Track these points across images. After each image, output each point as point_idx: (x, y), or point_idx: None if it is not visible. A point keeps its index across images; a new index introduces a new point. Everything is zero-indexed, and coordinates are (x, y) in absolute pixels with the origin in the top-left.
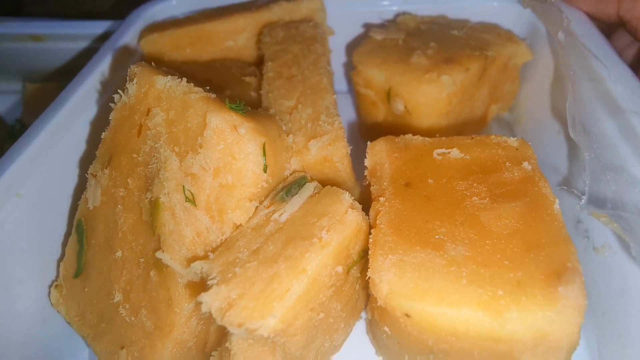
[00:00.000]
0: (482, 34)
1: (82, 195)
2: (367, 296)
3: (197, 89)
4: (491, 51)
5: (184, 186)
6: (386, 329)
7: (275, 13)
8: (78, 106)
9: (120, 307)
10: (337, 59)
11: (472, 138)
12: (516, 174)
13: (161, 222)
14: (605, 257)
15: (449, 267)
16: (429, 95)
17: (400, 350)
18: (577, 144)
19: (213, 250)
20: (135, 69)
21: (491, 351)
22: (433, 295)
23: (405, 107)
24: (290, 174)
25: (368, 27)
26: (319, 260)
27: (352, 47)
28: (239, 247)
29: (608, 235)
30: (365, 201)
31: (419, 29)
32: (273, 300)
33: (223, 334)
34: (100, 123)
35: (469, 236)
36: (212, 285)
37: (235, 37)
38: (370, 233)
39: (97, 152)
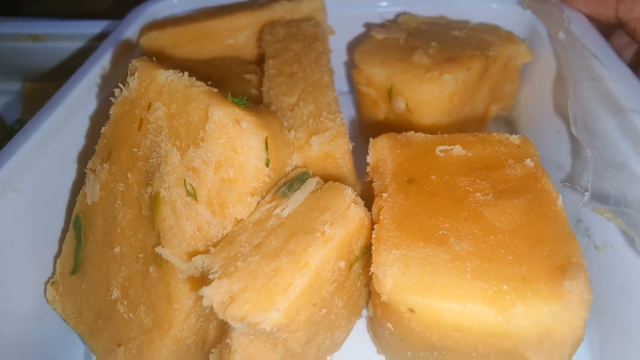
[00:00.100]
0: (483, 34)
1: (81, 191)
2: (369, 294)
3: (199, 83)
4: (492, 51)
5: (185, 180)
6: (389, 325)
7: (276, 12)
8: (77, 102)
9: (118, 303)
10: (337, 59)
11: (474, 135)
12: (519, 170)
13: (161, 217)
14: (606, 256)
15: (453, 262)
16: (431, 93)
17: (403, 347)
18: (580, 142)
19: (214, 245)
20: (137, 64)
21: (496, 347)
22: (438, 289)
23: (407, 106)
24: (292, 170)
25: (369, 26)
26: (322, 255)
27: (352, 48)
28: (240, 241)
29: (609, 234)
30: (367, 198)
31: (419, 29)
32: (276, 294)
33: (223, 331)
34: (99, 118)
35: (472, 232)
36: (213, 279)
37: (236, 36)
38: (372, 229)
39: (96, 147)
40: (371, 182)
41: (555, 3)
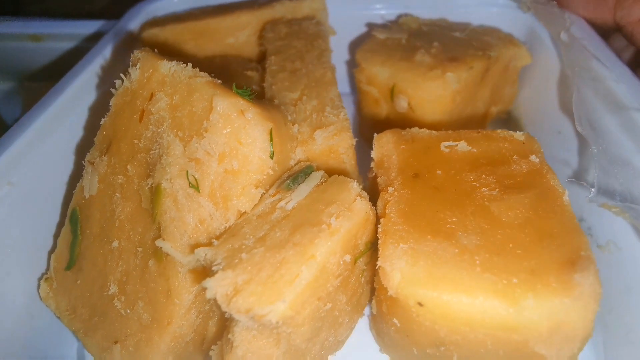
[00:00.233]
0: (484, 36)
1: (78, 184)
2: (371, 291)
3: (202, 73)
4: (493, 52)
5: (187, 171)
6: (395, 321)
7: (277, 11)
8: (75, 95)
9: (115, 299)
10: (337, 60)
11: (479, 132)
12: (524, 166)
13: (162, 209)
14: (610, 254)
15: (462, 256)
16: (434, 92)
17: (408, 344)
18: (581, 143)
19: (216, 238)
20: (139, 54)
21: (505, 342)
22: (447, 283)
23: (409, 104)
24: (295, 164)
25: (370, 27)
26: (328, 247)
27: (352, 49)
28: (244, 233)
29: (612, 232)
30: (370, 194)
31: (420, 30)
32: (282, 286)
33: (223, 327)
34: (98, 111)
35: (480, 226)
36: (217, 271)
37: (236, 34)
38: (378, 223)
39: (95, 139)
40: (375, 177)
41: (556, 5)
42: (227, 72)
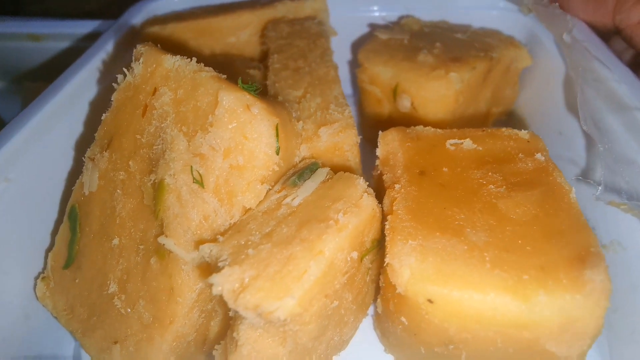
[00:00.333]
0: (485, 38)
1: (77, 180)
2: (376, 290)
3: (207, 68)
4: (495, 53)
5: (192, 167)
6: (403, 319)
7: (279, 11)
8: (75, 91)
9: (115, 298)
10: (338, 60)
11: (483, 130)
12: (530, 164)
13: (165, 205)
14: (615, 254)
15: (471, 252)
16: (437, 91)
17: (416, 342)
18: (583, 143)
19: (221, 235)
20: (142, 49)
21: (515, 339)
22: (457, 279)
23: (412, 104)
24: (300, 161)
25: (372, 27)
26: (336, 243)
27: (353, 49)
28: (250, 229)
29: (616, 232)
30: (375, 192)
31: (422, 31)
32: (290, 282)
33: (226, 327)
34: (98, 107)
35: (488, 222)
36: (223, 267)
37: (238, 34)
38: (386, 220)
39: (95, 135)
40: (381, 174)
41: (558, 7)
42: (229, 69)
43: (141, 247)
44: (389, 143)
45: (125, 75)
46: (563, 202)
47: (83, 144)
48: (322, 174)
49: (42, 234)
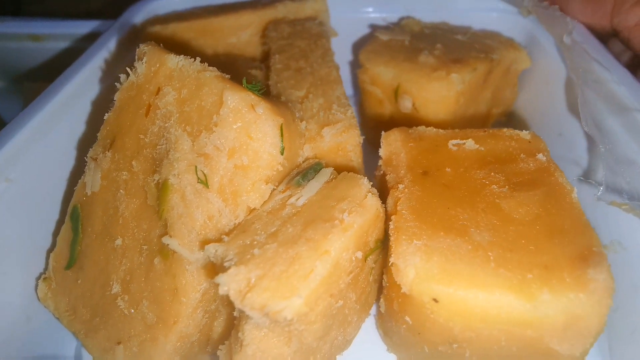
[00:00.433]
0: (485, 39)
1: (79, 180)
2: (378, 290)
3: (211, 67)
4: (496, 55)
5: (196, 167)
6: (407, 318)
7: (279, 11)
8: (77, 91)
9: (119, 299)
10: (338, 61)
11: (485, 131)
12: (531, 164)
13: (169, 205)
14: (615, 254)
15: (476, 252)
16: (438, 92)
17: (420, 342)
18: (588, 140)
19: (226, 235)
20: (145, 48)
21: (519, 338)
22: (463, 278)
23: (413, 105)
24: (304, 161)
25: (373, 28)
26: (342, 242)
27: (354, 50)
28: (255, 229)
29: (617, 232)
30: (377, 192)
31: (422, 32)
32: (296, 281)
33: (229, 327)
34: (99, 108)
35: (491, 222)
36: (229, 267)
37: (238, 34)
38: (390, 220)
39: (98, 135)
40: (384, 175)
41: (558, 10)
42: (231, 69)
43: (145, 247)
44: (391, 143)
45: (128, 75)
46: (565, 202)
47: (84, 144)
48: (326, 174)
49: (43, 234)
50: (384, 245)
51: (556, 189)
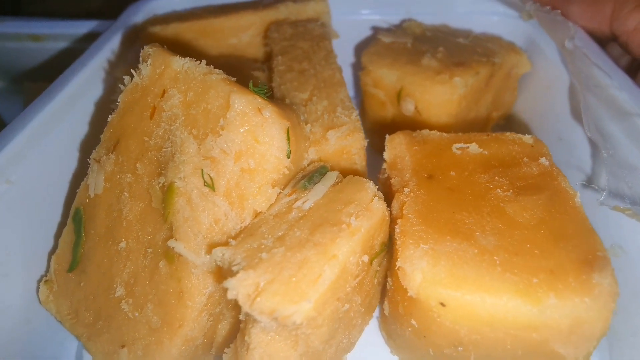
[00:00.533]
0: (486, 43)
1: (82, 183)
2: (381, 293)
3: (217, 70)
4: (497, 58)
5: (202, 170)
6: (413, 322)
7: (281, 12)
8: (75, 93)
9: (123, 302)
10: (339, 63)
11: (488, 135)
12: (534, 169)
13: (175, 209)
14: (616, 258)
15: (482, 256)
16: (442, 95)
17: (425, 345)
18: (588, 145)
19: (232, 238)
20: (149, 50)
21: (525, 341)
22: (470, 283)
23: (416, 107)
24: (308, 164)
25: (375, 30)
26: (350, 247)
27: (355, 52)
28: (262, 233)
29: (616, 236)
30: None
31: (424, 35)
32: (305, 286)
33: (233, 330)
34: (100, 110)
35: (497, 226)
36: (238, 271)
37: (239, 35)
38: (395, 224)
39: (101, 137)
40: (388, 178)
41: (560, 14)
42: (233, 71)
43: (149, 250)
44: (396, 147)
45: (132, 77)
46: (569, 206)
47: (86, 145)
48: (332, 177)
49: (45, 236)
50: (388, 248)
51: (560, 194)
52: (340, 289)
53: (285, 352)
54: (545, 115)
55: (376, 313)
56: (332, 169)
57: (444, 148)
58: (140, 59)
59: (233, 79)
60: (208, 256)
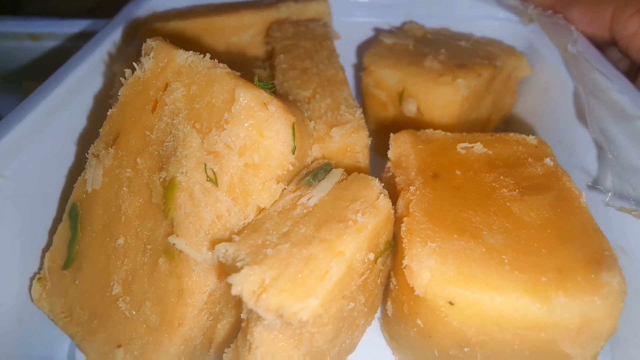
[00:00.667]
0: (487, 46)
1: (79, 177)
2: (382, 294)
3: (222, 64)
4: (499, 61)
5: (205, 164)
6: (419, 321)
7: (282, 12)
8: (73, 88)
9: (120, 300)
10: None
11: (492, 135)
12: (539, 169)
13: (176, 204)
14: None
15: (490, 254)
16: (444, 97)
17: (430, 345)
18: (587, 148)
19: (236, 235)
20: (152, 43)
21: (532, 341)
22: (478, 281)
23: (418, 109)
24: (312, 161)
25: (376, 31)
26: (356, 243)
27: (354, 54)
28: (267, 229)
29: (619, 238)
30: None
31: (426, 37)
32: (312, 282)
33: (233, 329)
34: (99, 104)
35: (504, 225)
36: (242, 267)
37: (240, 34)
38: (401, 222)
39: (100, 131)
40: (392, 177)
41: (562, 18)
42: (235, 68)
43: (148, 247)
44: (400, 145)
45: (133, 70)
46: (574, 206)
47: (83, 140)
48: (336, 174)
49: (39, 232)
50: (392, 247)
51: (565, 194)
52: (346, 287)
53: (288, 351)
54: (544, 118)
55: (377, 314)
56: (336, 167)
57: (448, 147)
58: (143, 52)
59: (238, 73)
60: (210, 253)
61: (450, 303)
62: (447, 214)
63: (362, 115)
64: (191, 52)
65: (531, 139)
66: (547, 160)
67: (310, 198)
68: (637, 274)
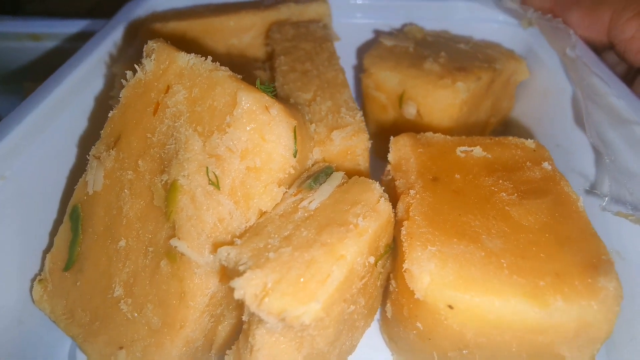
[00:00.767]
0: (487, 49)
1: (80, 179)
2: (382, 296)
3: (223, 67)
4: (498, 65)
5: (207, 168)
6: (418, 324)
7: (282, 13)
8: (73, 89)
9: (121, 302)
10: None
11: (491, 139)
12: (537, 173)
13: (178, 207)
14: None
15: (489, 258)
16: (444, 100)
17: (429, 348)
18: (585, 152)
19: (238, 238)
20: (154, 45)
21: (531, 344)
22: (478, 285)
23: (418, 111)
24: (313, 164)
25: (377, 33)
26: (357, 247)
27: (354, 56)
28: (268, 232)
29: (615, 242)
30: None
31: (426, 40)
32: (314, 286)
33: (234, 332)
34: (99, 106)
35: (502, 229)
36: (244, 271)
37: (240, 35)
38: (401, 226)
39: (101, 132)
40: (392, 180)
41: (561, 22)
42: (236, 70)
43: (150, 249)
44: (400, 148)
45: (134, 72)
46: (572, 210)
47: (84, 141)
48: (337, 177)
49: (40, 234)
50: (391, 250)
51: (562, 198)
52: (347, 290)
53: (289, 353)
54: (542, 122)
55: (377, 315)
56: (337, 170)
57: (448, 151)
58: (144, 53)
59: (239, 76)
60: (212, 256)
61: (450, 306)
62: (447, 218)
63: (363, 117)
64: (193, 54)
65: (529, 143)
66: (545, 164)
67: (311, 201)
68: (633, 278)
